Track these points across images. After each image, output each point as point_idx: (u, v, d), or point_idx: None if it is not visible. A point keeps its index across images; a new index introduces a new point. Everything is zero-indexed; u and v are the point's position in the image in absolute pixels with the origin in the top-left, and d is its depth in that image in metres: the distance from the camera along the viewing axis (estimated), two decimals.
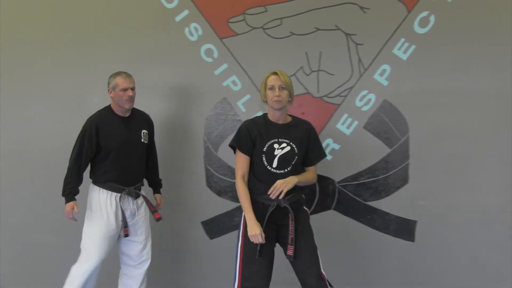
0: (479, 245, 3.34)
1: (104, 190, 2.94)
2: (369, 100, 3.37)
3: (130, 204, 3.00)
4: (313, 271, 2.54)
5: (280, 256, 2.63)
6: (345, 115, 3.37)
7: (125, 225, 2.95)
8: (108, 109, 3.03)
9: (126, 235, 2.98)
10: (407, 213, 3.38)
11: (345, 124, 3.39)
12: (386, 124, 3.36)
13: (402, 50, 3.34)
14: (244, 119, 3.40)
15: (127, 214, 2.98)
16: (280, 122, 2.67)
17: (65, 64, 3.50)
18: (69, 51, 3.50)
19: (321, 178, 3.38)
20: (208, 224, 3.48)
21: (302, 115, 3.34)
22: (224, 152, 3.43)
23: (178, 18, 3.44)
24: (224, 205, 3.46)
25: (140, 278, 3.06)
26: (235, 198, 3.44)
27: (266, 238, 2.52)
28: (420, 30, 3.33)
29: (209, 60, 3.44)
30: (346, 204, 3.40)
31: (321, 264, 2.58)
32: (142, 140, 3.03)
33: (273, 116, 2.67)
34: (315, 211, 3.41)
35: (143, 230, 3.06)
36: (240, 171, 2.63)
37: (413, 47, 3.33)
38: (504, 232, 3.32)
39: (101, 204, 2.93)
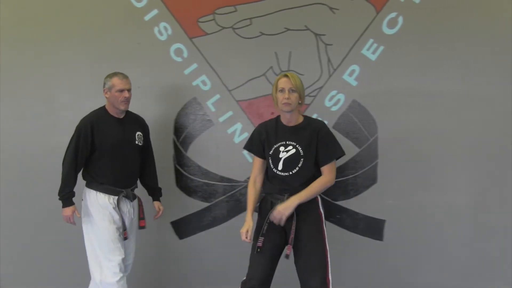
0: (446, 243, 3.37)
1: (101, 193, 2.89)
2: (338, 100, 3.38)
3: (127, 207, 2.97)
4: (317, 277, 2.56)
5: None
6: (315, 115, 3.37)
7: (124, 228, 2.91)
8: (102, 109, 3.00)
9: (125, 238, 2.93)
10: (376, 212, 3.40)
11: None
12: (355, 124, 3.38)
13: (371, 51, 3.36)
14: (213, 119, 3.44)
15: (126, 217, 2.94)
16: (291, 124, 2.69)
17: (32, 64, 3.47)
18: (36, 50, 3.46)
19: None
20: (178, 224, 3.47)
21: (272, 115, 3.36)
22: (194, 152, 3.43)
23: (147, 18, 3.42)
24: (194, 205, 3.45)
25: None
26: (205, 198, 3.45)
27: (267, 238, 2.61)
28: (388, 31, 3.35)
29: (179, 59, 3.43)
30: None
31: (328, 270, 2.60)
32: (137, 142, 3.00)
33: (283, 118, 2.71)
34: None
35: (134, 234, 3.05)
36: (252, 174, 2.79)
37: (381, 47, 3.35)
38: (470, 230, 3.36)
39: (101, 207, 2.87)
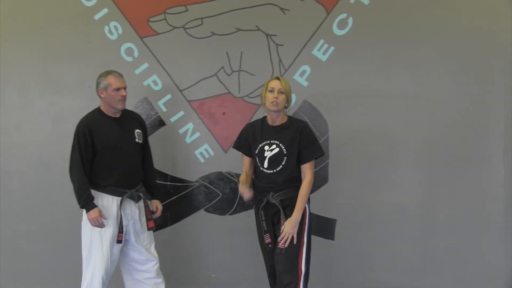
0: (397, 242, 3.41)
1: (106, 195, 2.83)
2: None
3: (132, 208, 2.89)
4: (288, 267, 2.73)
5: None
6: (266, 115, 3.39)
7: (120, 230, 2.81)
8: (97, 110, 2.93)
9: (119, 241, 2.82)
10: (327, 212, 3.43)
11: None
12: None
13: (321, 51, 3.39)
14: (165, 119, 3.43)
15: (130, 219, 2.87)
16: (276, 124, 2.82)
17: None
18: None
19: None
20: None
21: (223, 115, 3.37)
22: None
23: (97, 17, 3.40)
24: None
25: (153, 275, 2.94)
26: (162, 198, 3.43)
27: (266, 232, 2.81)
28: (338, 32, 3.38)
29: (130, 59, 3.41)
30: None
31: (301, 261, 2.74)
32: (137, 140, 2.93)
33: (269, 118, 2.84)
34: (236, 211, 3.43)
35: (146, 235, 2.95)
36: (243, 170, 2.92)
37: (332, 48, 3.38)
38: (421, 229, 3.41)
39: (105, 211, 2.79)
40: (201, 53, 3.39)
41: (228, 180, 3.41)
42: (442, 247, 3.39)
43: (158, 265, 2.97)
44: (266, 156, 2.77)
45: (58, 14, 3.40)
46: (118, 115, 2.93)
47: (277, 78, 2.80)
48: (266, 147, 2.78)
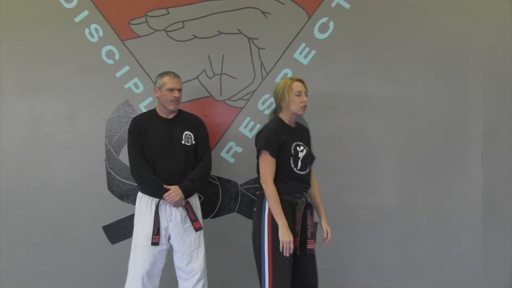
0: (376, 245, 3.44)
1: (145, 196, 2.87)
2: (271, 103, 3.38)
3: (173, 211, 2.88)
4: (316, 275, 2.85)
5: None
6: (248, 118, 3.40)
7: (155, 232, 2.82)
8: (152, 110, 3.02)
9: (154, 243, 2.83)
10: None
11: (247, 128, 3.41)
12: None
13: (303, 55, 3.41)
14: None
15: (170, 221, 2.87)
16: (292, 125, 2.82)
17: None
18: None
19: (224, 181, 3.40)
20: (110, 228, 3.41)
21: (205, 118, 3.35)
22: (126, 156, 3.36)
23: (77, 19, 3.37)
24: (126, 209, 3.39)
25: None
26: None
27: (296, 235, 2.66)
28: (320, 36, 3.41)
29: (110, 62, 3.38)
30: (249, 206, 3.41)
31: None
32: (183, 141, 2.92)
33: (290, 120, 2.79)
34: (218, 214, 3.42)
35: (192, 240, 2.92)
36: (270, 175, 2.67)
37: (313, 52, 3.40)
38: (401, 231, 3.44)
39: (142, 211, 2.85)
40: (182, 56, 3.37)
41: (210, 184, 3.40)
42: (422, 249, 3.43)
43: (202, 278, 2.93)
44: (299, 157, 2.74)
45: (38, 16, 3.36)
46: (171, 116, 2.96)
47: (300, 81, 2.76)
48: (298, 148, 2.74)
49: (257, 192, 2.85)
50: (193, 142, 2.97)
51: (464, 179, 3.42)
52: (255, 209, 2.77)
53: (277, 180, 2.69)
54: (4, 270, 3.38)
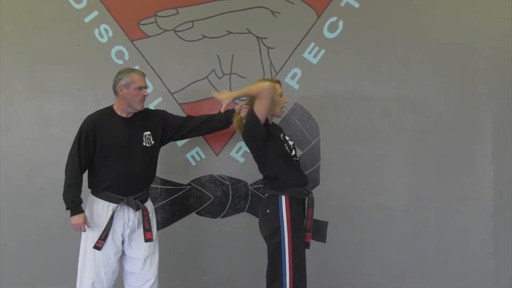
0: (385, 245, 3.43)
1: (101, 200, 2.71)
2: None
3: (130, 216, 2.74)
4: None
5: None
6: None
7: (102, 237, 2.67)
8: (109, 108, 2.80)
9: (97, 247, 2.68)
10: (318, 214, 3.40)
11: None
12: (298, 127, 3.42)
13: (312, 54, 3.40)
14: None
15: (127, 228, 2.74)
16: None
17: None
18: None
19: (234, 181, 3.40)
20: None
21: None
22: None
23: (87, 19, 3.38)
24: None
25: None
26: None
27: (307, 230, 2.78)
28: (329, 35, 3.40)
29: (120, 62, 3.38)
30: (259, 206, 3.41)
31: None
32: (144, 143, 2.77)
33: (270, 118, 2.83)
34: (228, 214, 3.42)
35: (147, 246, 2.82)
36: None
37: (322, 51, 3.40)
38: (411, 231, 3.43)
39: (98, 217, 2.70)
40: (192, 56, 3.38)
41: (219, 183, 3.40)
42: (431, 249, 3.42)
43: (156, 283, 2.86)
44: (291, 144, 2.84)
45: (47, 16, 3.37)
46: (129, 115, 2.79)
47: (279, 82, 2.87)
48: (286, 137, 2.87)
49: (266, 195, 2.85)
50: (152, 142, 2.82)
51: (474, 178, 3.41)
52: (268, 211, 2.75)
53: (284, 170, 2.74)
54: (11, 270, 3.40)
